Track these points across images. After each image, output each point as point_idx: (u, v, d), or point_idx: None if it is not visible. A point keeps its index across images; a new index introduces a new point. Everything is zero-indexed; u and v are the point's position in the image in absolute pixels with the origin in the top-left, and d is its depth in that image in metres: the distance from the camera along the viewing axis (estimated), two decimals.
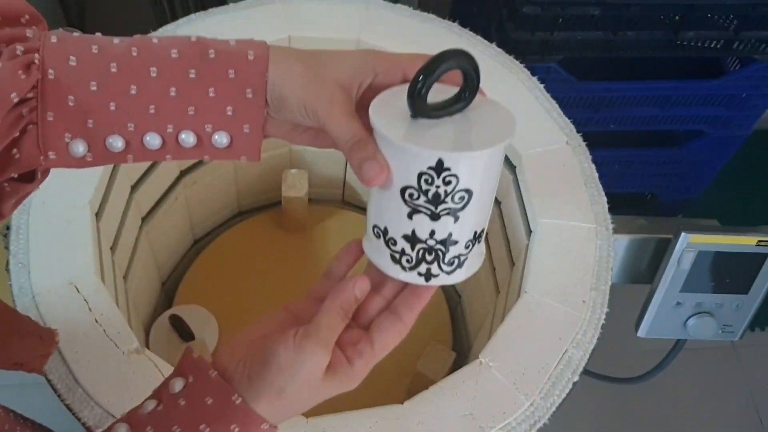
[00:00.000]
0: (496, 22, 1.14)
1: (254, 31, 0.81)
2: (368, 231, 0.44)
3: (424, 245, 0.41)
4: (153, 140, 0.40)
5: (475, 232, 0.42)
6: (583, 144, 0.76)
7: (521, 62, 0.81)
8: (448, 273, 0.43)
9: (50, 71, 0.38)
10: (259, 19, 0.82)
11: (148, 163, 0.80)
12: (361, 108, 0.42)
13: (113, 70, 0.39)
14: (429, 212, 0.40)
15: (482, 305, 0.87)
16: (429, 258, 0.42)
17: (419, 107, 0.39)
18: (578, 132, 0.76)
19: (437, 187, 0.39)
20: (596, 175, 0.74)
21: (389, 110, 0.40)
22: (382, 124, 0.39)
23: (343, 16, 0.83)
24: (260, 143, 0.42)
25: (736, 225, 0.72)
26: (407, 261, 0.42)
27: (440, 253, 0.42)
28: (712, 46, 1.17)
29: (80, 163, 0.40)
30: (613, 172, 1.37)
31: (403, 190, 0.40)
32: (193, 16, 0.81)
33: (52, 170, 0.71)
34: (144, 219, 0.84)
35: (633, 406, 1.39)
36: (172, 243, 0.95)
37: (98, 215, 0.69)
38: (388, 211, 0.41)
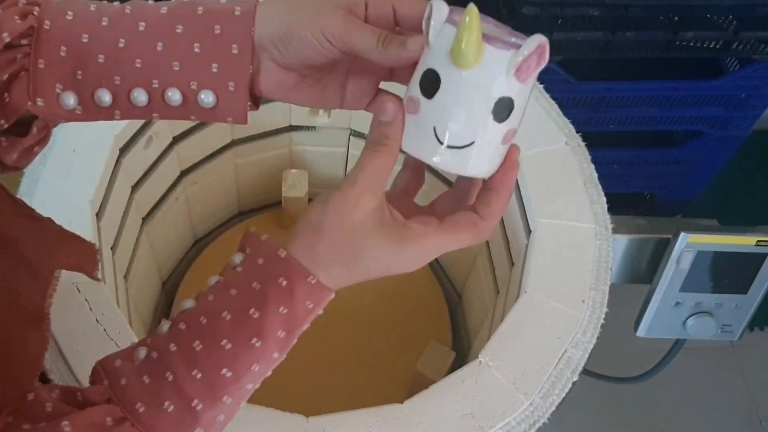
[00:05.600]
0: None
1: None
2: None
3: None
4: (139, 96, 0.40)
5: None
6: (583, 144, 0.76)
7: None
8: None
9: (46, 22, 0.39)
10: None
11: (148, 163, 0.80)
12: None
13: (104, 23, 0.40)
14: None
15: (482, 305, 0.87)
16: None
17: None
18: (577, 132, 0.77)
19: None
20: (595, 175, 0.74)
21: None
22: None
23: None
24: (246, 103, 0.42)
25: (735, 225, 0.72)
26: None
27: None
28: (711, 46, 1.17)
29: (69, 115, 0.41)
30: (613, 173, 1.37)
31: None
32: None
33: (53, 171, 0.71)
34: (144, 219, 0.84)
35: (632, 405, 1.39)
36: (173, 243, 0.95)
37: (99, 215, 0.69)
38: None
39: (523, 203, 0.74)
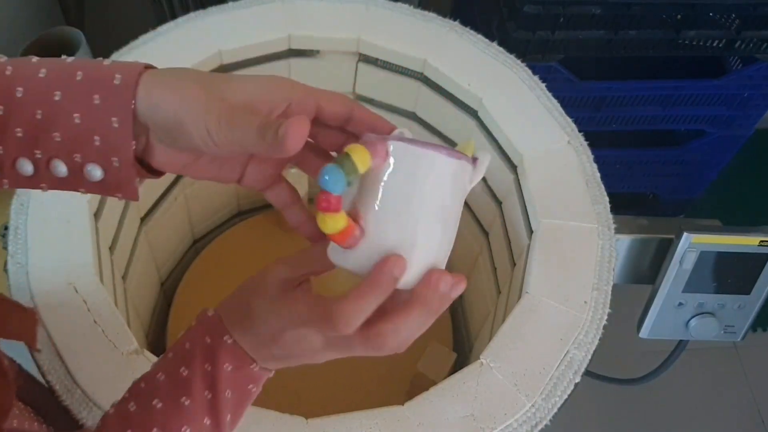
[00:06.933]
0: (497, 21, 1.14)
1: (254, 30, 0.80)
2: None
3: None
4: (25, 166, 0.38)
5: None
6: (585, 143, 0.75)
7: (522, 61, 0.80)
8: None
9: None
10: (259, 18, 0.81)
11: None
12: None
13: None
14: None
15: (483, 306, 0.87)
16: None
17: None
18: (580, 131, 0.76)
19: None
20: (598, 174, 0.73)
21: None
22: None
23: (343, 15, 0.83)
24: (134, 179, 0.38)
25: (738, 225, 0.71)
26: None
27: None
28: (713, 45, 1.17)
29: None
30: (615, 172, 1.36)
31: None
32: (192, 15, 0.81)
33: None
34: (143, 219, 0.84)
35: (635, 407, 1.38)
36: (172, 243, 0.94)
37: (97, 215, 0.69)
38: None
39: (524, 203, 0.73)
